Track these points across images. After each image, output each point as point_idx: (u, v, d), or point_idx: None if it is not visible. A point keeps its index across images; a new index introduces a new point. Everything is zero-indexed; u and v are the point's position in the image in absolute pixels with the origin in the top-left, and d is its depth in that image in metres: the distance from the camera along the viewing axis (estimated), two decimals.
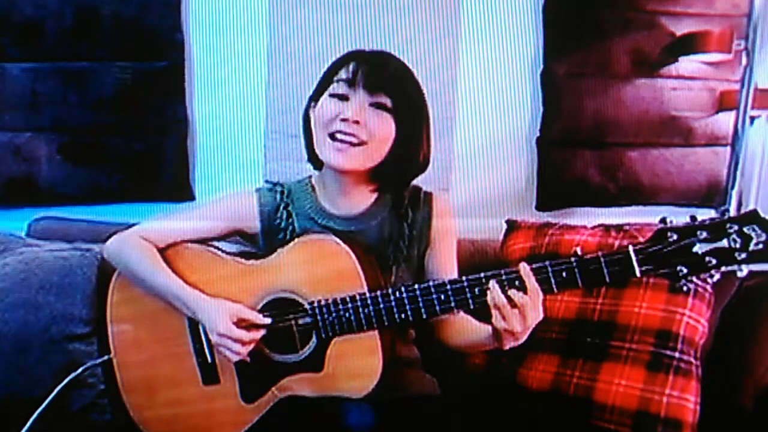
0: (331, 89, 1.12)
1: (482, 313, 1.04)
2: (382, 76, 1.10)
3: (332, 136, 1.10)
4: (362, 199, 1.19)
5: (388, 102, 1.10)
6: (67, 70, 1.79)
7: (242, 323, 1.10)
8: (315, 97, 1.15)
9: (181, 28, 1.81)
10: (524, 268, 0.99)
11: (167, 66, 1.81)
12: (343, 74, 1.11)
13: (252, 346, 1.10)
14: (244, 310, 1.11)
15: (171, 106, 1.82)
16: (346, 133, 1.09)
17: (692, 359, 1.25)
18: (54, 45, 1.78)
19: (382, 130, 1.10)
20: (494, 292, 0.99)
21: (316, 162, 1.18)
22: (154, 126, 1.83)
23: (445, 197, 1.25)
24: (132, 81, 1.80)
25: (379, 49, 1.16)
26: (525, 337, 1.00)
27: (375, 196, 1.19)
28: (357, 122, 1.08)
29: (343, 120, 1.08)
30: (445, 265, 1.21)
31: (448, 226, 1.23)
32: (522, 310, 0.97)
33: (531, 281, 0.98)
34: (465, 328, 1.14)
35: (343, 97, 1.10)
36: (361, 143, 1.09)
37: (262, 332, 1.11)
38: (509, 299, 0.98)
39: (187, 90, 1.83)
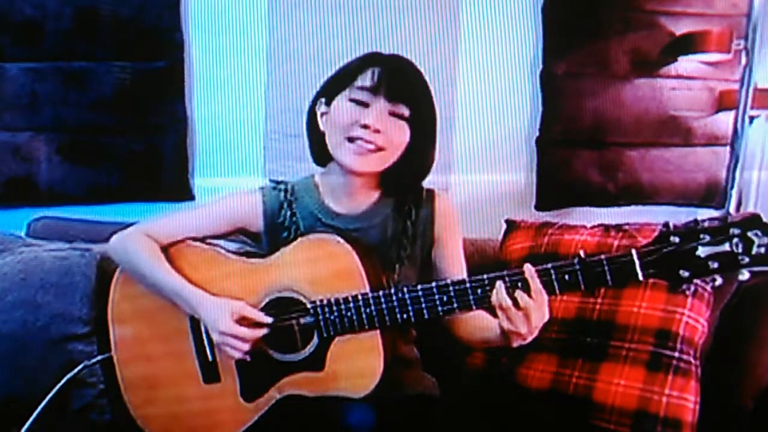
0: (350, 93, 1.12)
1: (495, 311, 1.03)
2: (404, 86, 1.12)
3: (350, 139, 1.11)
4: (366, 198, 1.19)
5: (406, 112, 1.11)
6: (67, 70, 1.79)
7: (244, 321, 1.10)
8: (325, 95, 1.15)
9: (181, 28, 1.81)
10: (529, 270, 0.98)
11: (167, 66, 1.81)
12: (365, 81, 1.11)
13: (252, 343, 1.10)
14: (247, 308, 1.11)
15: (170, 106, 1.82)
16: (365, 140, 1.10)
17: (692, 359, 1.25)
18: (54, 45, 1.78)
19: (399, 138, 1.12)
20: (500, 294, 0.98)
21: (320, 159, 1.18)
22: (153, 126, 1.83)
23: (446, 195, 1.25)
24: (132, 81, 1.80)
25: (395, 54, 1.17)
26: (533, 337, 1.00)
27: (378, 195, 1.20)
28: (377, 131, 1.09)
29: (364, 126, 1.09)
30: (453, 262, 1.22)
31: (453, 222, 1.23)
32: (526, 312, 0.97)
33: (536, 282, 0.98)
34: (480, 324, 1.13)
35: (363, 104, 1.11)
36: (379, 149, 1.11)
37: (264, 330, 1.10)
38: (514, 301, 0.98)
39: (187, 90, 1.83)
